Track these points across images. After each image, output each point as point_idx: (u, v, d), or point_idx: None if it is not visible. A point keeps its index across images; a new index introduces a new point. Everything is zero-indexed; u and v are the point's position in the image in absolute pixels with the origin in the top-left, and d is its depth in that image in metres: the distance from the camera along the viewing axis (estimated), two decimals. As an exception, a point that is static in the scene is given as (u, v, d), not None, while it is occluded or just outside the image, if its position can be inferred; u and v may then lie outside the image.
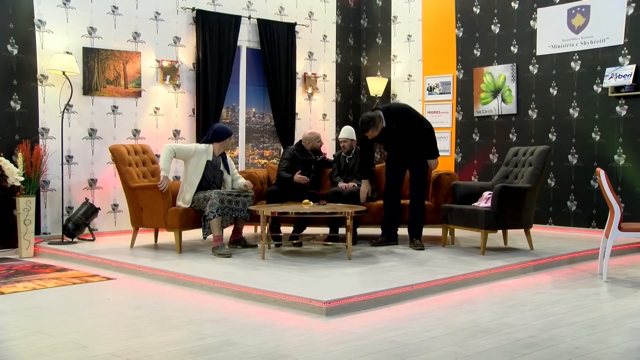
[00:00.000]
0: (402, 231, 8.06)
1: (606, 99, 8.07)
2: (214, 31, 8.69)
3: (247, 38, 9.22)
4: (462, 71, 9.44)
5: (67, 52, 7.55)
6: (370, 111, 6.98)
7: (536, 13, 8.69)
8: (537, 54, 8.68)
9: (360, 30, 10.72)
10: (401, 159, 6.93)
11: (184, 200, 6.69)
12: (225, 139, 6.90)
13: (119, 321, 4.43)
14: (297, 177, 7.25)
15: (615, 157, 7.98)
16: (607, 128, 8.07)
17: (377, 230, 7.96)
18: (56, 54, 7.35)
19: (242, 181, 6.95)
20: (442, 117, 9.64)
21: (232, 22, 8.88)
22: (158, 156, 7.90)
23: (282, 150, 9.55)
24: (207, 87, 8.60)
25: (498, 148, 9.06)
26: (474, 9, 9.34)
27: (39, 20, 7.42)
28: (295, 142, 8.36)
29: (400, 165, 6.96)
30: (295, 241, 7.02)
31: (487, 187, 6.96)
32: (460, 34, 9.49)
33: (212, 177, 6.82)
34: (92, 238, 7.42)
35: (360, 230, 7.60)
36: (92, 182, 7.86)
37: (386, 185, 7.01)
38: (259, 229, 7.53)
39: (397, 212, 7.00)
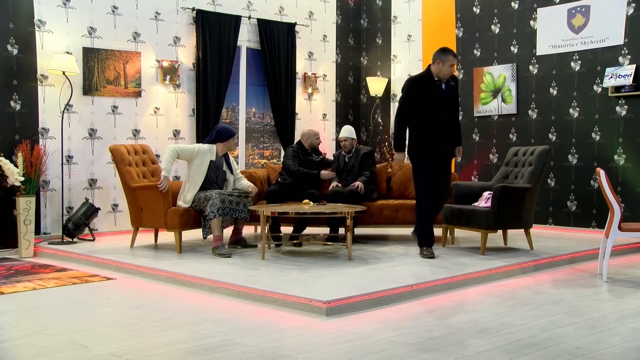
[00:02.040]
0: (402, 231, 8.06)
1: (606, 99, 8.07)
2: (214, 31, 8.69)
3: (247, 38, 9.22)
4: (462, 71, 9.44)
5: (67, 52, 7.55)
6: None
7: (536, 13, 8.69)
8: (537, 54, 8.68)
9: (360, 30, 10.72)
10: (437, 148, 6.30)
11: (185, 200, 6.69)
12: (229, 139, 6.90)
13: (119, 321, 4.43)
14: (325, 173, 7.36)
15: (615, 157, 7.98)
16: (607, 128, 8.07)
17: (377, 231, 7.97)
18: (56, 54, 7.35)
19: (245, 182, 6.95)
20: (442, 117, 9.62)
21: (232, 22, 8.88)
22: (158, 156, 7.91)
23: (281, 150, 9.55)
24: (207, 87, 8.60)
25: (498, 148, 9.06)
26: (474, 9, 9.34)
27: (39, 20, 7.42)
28: (294, 142, 8.37)
29: (438, 158, 6.34)
30: (295, 241, 7.02)
31: (487, 187, 6.96)
32: (460, 34, 9.49)
33: (214, 177, 6.82)
34: (92, 238, 7.42)
35: (361, 231, 7.61)
36: (92, 182, 7.86)
37: (430, 182, 6.33)
38: (259, 229, 7.54)
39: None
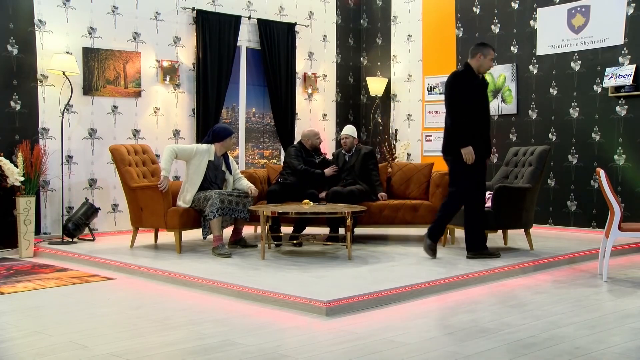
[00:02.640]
0: (402, 231, 8.07)
1: (606, 99, 8.07)
2: (214, 31, 8.69)
3: (247, 38, 9.22)
4: (462, 71, 9.43)
5: (67, 52, 7.55)
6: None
7: (536, 13, 8.69)
8: (537, 54, 8.68)
9: (360, 30, 10.72)
10: (483, 144, 6.24)
11: (185, 200, 6.69)
12: (226, 139, 6.90)
13: (119, 321, 4.43)
14: (329, 170, 7.40)
15: (615, 157, 7.98)
16: (607, 128, 8.07)
17: (377, 231, 7.97)
18: (56, 54, 7.35)
19: (246, 183, 6.95)
20: (442, 117, 9.58)
21: (232, 22, 8.88)
22: (158, 156, 7.91)
23: (281, 150, 9.55)
24: (207, 87, 8.60)
25: (498, 148, 9.05)
26: (474, 9, 9.34)
27: (39, 20, 7.42)
28: (295, 142, 8.35)
29: (483, 155, 6.29)
30: (295, 241, 7.01)
31: (487, 187, 6.96)
32: (460, 34, 9.49)
33: (213, 177, 6.82)
34: (92, 238, 7.42)
35: (361, 231, 7.61)
36: (92, 182, 7.86)
37: (482, 184, 6.32)
38: (259, 229, 7.54)
39: None
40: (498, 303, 4.90)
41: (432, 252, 6.24)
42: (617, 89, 7.92)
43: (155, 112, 8.36)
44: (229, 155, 7.08)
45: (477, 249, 6.24)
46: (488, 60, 6.23)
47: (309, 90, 9.96)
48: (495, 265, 5.90)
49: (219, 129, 6.95)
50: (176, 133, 8.56)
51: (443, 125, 9.41)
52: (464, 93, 6.11)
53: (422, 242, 6.40)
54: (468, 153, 6.07)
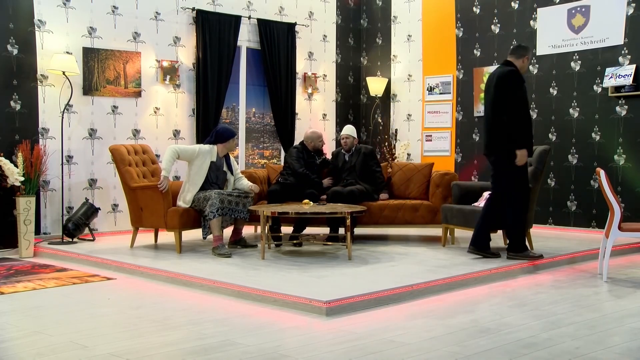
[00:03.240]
0: (402, 231, 8.07)
1: (606, 99, 8.07)
2: (214, 31, 8.69)
3: (247, 38, 9.22)
4: (462, 71, 9.44)
5: (67, 52, 7.55)
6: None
7: (536, 13, 8.69)
8: (537, 54, 8.68)
9: (360, 30, 10.72)
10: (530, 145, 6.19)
11: (185, 200, 6.69)
12: (229, 140, 6.90)
13: (119, 321, 4.43)
14: (327, 182, 7.47)
15: (615, 157, 7.98)
16: (607, 128, 8.07)
17: (377, 231, 7.96)
18: (56, 54, 7.35)
19: (246, 182, 6.95)
20: (442, 117, 9.64)
21: (232, 22, 8.88)
22: (158, 156, 7.91)
23: (282, 150, 9.55)
24: (207, 87, 8.60)
25: (498, 148, 9.04)
26: (474, 9, 9.34)
27: (39, 20, 7.42)
28: (295, 143, 8.35)
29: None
30: (295, 241, 7.02)
31: (487, 187, 6.95)
32: (460, 34, 9.49)
33: (214, 177, 6.82)
34: (92, 238, 7.42)
35: (361, 231, 7.61)
36: (92, 182, 7.86)
37: (526, 183, 6.26)
38: (259, 229, 7.54)
39: None
40: (498, 303, 4.90)
41: (491, 255, 6.19)
42: (617, 89, 7.92)
43: (155, 112, 8.36)
44: (230, 155, 7.08)
45: (520, 249, 6.18)
46: (528, 63, 6.40)
47: (309, 90, 9.96)
48: (495, 265, 5.90)
49: (222, 130, 6.95)
50: (176, 133, 8.56)
51: (442, 125, 9.47)
52: (517, 92, 6.06)
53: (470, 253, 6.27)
54: (523, 155, 6.00)
